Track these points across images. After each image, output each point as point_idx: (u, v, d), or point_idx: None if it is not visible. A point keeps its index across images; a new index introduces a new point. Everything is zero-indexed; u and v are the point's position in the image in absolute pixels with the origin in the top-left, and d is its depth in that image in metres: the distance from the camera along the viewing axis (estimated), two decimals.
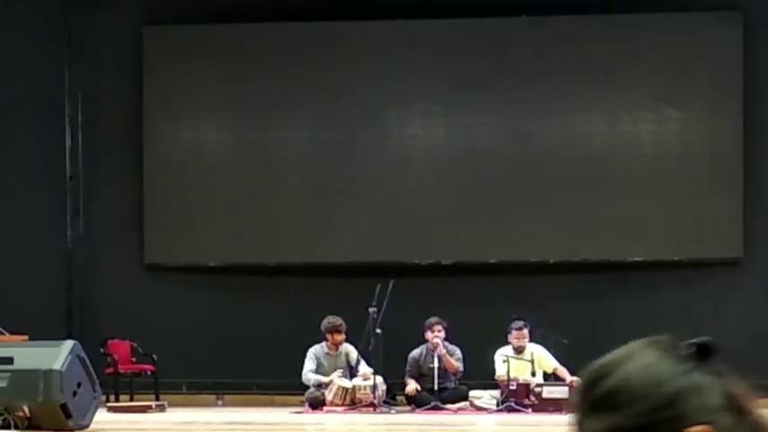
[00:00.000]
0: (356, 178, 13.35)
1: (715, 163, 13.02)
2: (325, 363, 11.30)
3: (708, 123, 13.12)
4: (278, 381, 12.66)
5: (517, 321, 11.28)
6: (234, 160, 13.48)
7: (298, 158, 13.43)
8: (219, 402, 13.04)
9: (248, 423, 10.55)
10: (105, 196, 13.56)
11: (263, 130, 13.46)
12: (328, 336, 11.26)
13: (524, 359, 11.16)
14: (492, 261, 13.20)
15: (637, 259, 13.10)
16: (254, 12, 13.31)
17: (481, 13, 13.14)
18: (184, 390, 13.30)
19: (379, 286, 10.66)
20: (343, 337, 11.30)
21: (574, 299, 13.18)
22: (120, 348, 12.62)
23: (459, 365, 11.25)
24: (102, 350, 12.26)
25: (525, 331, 11.24)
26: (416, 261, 13.20)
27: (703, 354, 1.41)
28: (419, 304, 12.24)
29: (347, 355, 11.31)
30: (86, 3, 13.42)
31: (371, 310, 10.67)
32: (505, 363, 11.11)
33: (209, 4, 13.40)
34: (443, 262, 13.25)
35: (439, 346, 11.22)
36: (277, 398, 12.70)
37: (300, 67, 13.32)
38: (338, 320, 11.27)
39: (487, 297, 13.09)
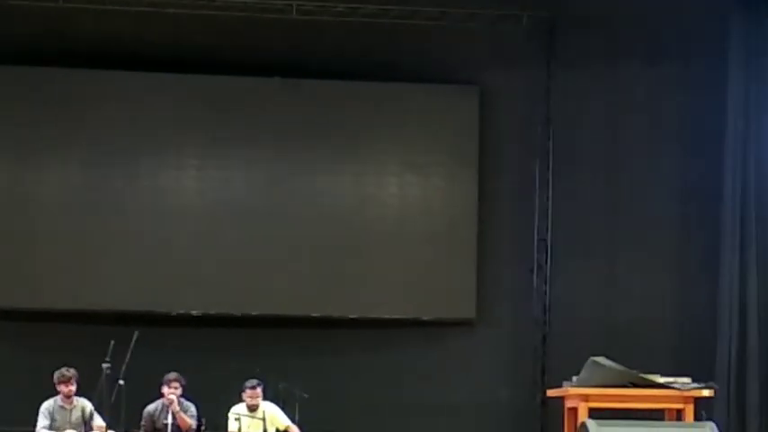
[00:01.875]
0: (108, 225, 13.45)
1: (452, 228, 13.67)
2: (58, 417, 11.23)
3: (445, 191, 13.77)
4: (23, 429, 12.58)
5: (251, 380, 11.56)
6: None
7: (53, 202, 13.44)
8: None
9: None
10: None
11: (20, 172, 13.44)
12: (59, 387, 11.28)
13: (256, 417, 11.43)
14: (240, 314, 13.48)
15: (379, 316, 13.59)
16: (19, 55, 13.32)
17: (237, 72, 13.48)
18: None
19: (113, 342, 10.78)
20: (73, 388, 11.28)
21: (318, 353, 13.54)
22: None
23: (193, 422, 11.44)
24: None
25: (259, 390, 11.52)
26: (165, 311, 13.39)
27: None
28: (165, 355, 12.39)
29: (83, 409, 11.34)
30: None
31: (105, 366, 10.75)
32: (237, 421, 11.37)
33: None
34: (193, 313, 13.48)
35: (173, 403, 11.39)
36: None
37: (59, 111, 13.39)
38: (69, 372, 11.27)
39: (234, 350, 13.34)
